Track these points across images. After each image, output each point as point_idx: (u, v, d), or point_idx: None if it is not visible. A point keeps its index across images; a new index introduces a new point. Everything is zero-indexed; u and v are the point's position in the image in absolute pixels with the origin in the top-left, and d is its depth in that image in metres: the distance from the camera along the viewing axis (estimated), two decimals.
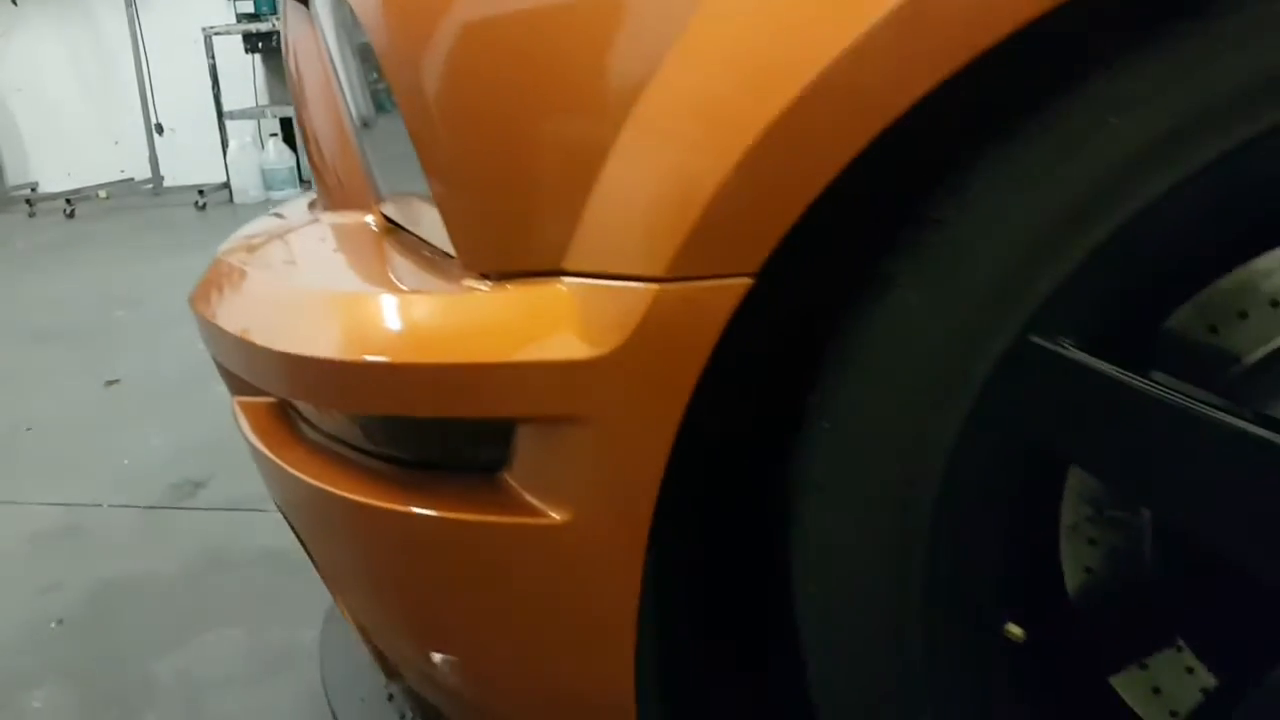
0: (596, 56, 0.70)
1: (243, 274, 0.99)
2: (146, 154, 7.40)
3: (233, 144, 6.86)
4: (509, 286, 0.77)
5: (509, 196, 0.75)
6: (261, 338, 0.90)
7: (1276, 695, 0.71)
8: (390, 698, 1.14)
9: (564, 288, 0.74)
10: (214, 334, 0.98)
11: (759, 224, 0.67)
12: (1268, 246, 0.76)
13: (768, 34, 0.65)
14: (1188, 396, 0.66)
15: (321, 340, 0.83)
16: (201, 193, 6.74)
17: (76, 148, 7.78)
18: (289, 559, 1.08)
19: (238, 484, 2.22)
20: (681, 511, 0.80)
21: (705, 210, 0.67)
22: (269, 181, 6.79)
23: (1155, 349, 0.77)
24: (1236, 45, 0.61)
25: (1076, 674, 0.87)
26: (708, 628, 0.88)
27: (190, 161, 7.27)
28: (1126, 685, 0.86)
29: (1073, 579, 0.83)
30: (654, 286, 0.70)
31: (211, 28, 6.81)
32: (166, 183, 7.42)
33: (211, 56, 6.85)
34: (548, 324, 0.74)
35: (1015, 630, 0.72)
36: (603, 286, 0.73)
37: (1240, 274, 0.76)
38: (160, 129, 7.37)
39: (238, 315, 0.96)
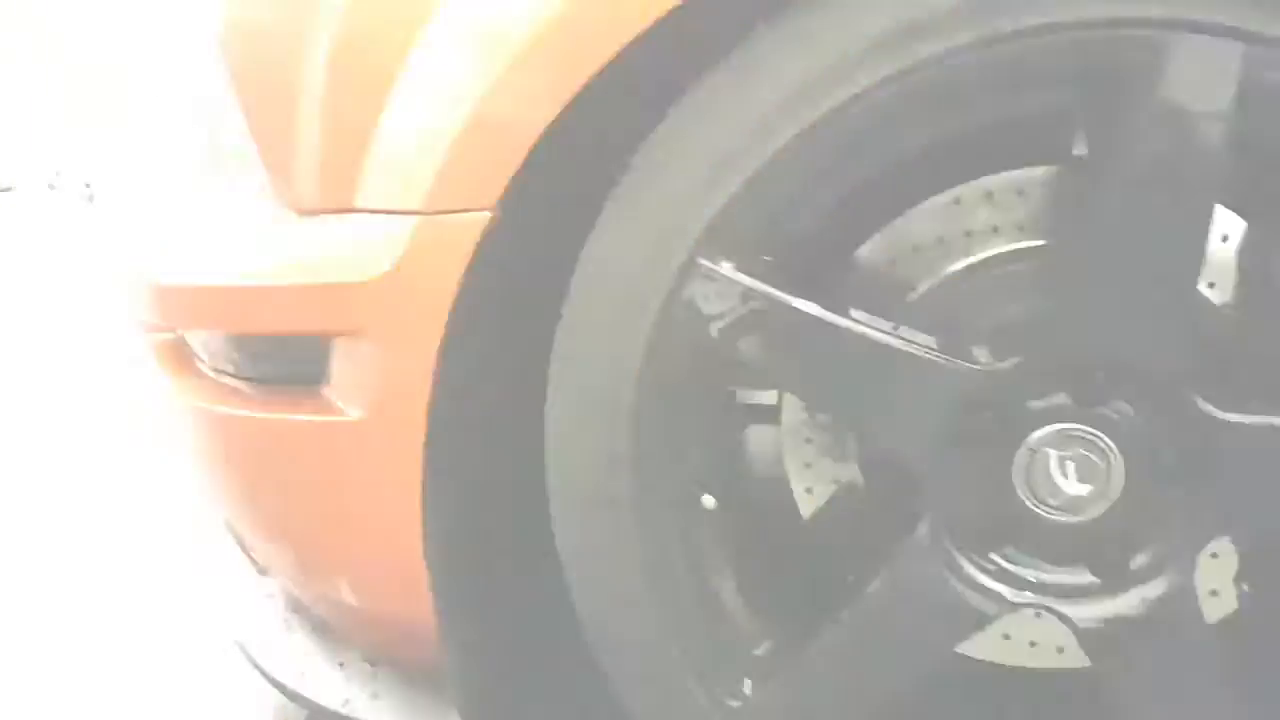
0: (349, 54, 0.86)
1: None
2: None
3: None
4: (312, 221, 0.92)
5: (302, 148, 0.90)
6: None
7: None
8: (271, 596, 1.30)
9: (351, 222, 0.90)
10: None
11: (488, 167, 0.83)
12: (944, 186, 0.90)
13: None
14: (832, 312, 0.81)
15: (167, 271, 1.00)
16: None
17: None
18: None
19: None
20: (462, 411, 0.95)
21: (445, 155, 0.83)
22: None
23: (849, 279, 0.92)
24: None
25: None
26: (493, 515, 1.03)
27: None
28: None
29: (795, 475, 0.98)
30: (413, 219, 0.86)
31: None
32: None
33: None
34: (334, 252, 0.90)
35: (708, 500, 0.88)
36: (379, 221, 0.88)
37: (914, 213, 0.90)
38: None
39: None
